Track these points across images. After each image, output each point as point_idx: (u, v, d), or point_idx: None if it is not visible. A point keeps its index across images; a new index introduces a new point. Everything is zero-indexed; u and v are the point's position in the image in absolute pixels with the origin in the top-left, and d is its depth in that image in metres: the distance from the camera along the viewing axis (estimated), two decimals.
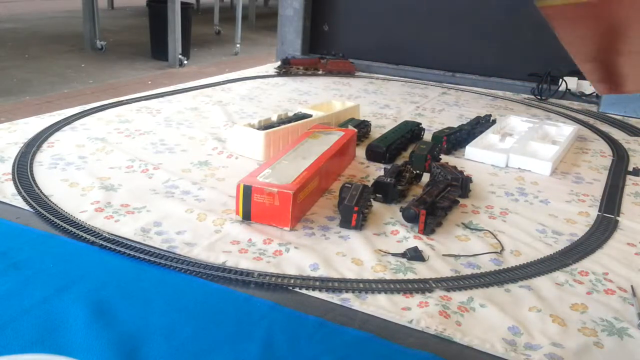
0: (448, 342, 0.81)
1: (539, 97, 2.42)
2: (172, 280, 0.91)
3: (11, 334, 0.74)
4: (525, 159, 1.54)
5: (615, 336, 0.85)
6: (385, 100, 2.26)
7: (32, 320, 0.77)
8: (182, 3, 2.90)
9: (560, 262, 1.05)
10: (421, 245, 1.06)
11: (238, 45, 3.53)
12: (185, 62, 2.93)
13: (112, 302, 0.83)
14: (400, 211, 1.16)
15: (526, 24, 2.50)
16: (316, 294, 0.90)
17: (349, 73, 2.61)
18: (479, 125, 1.79)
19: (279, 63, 2.63)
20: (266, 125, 1.54)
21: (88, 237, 1.00)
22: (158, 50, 3.05)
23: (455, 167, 1.37)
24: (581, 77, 2.48)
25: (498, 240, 1.12)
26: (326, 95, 2.25)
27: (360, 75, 2.73)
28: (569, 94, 2.44)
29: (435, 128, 1.83)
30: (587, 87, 2.42)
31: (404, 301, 0.89)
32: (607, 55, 0.45)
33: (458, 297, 0.92)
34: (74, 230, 1.02)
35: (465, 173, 1.37)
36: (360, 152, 1.55)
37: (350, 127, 1.57)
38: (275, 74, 2.47)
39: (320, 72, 2.54)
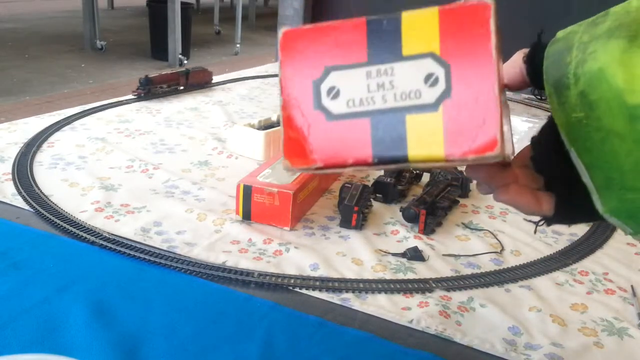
0: (448, 342, 0.81)
1: (538, 97, 2.42)
2: (172, 280, 0.91)
3: (11, 334, 0.74)
4: None
5: (615, 336, 0.85)
6: None
7: (32, 320, 0.77)
8: (182, 3, 2.90)
9: (560, 262, 1.05)
10: (421, 245, 1.06)
11: (238, 45, 3.53)
12: (185, 62, 2.93)
13: (112, 302, 0.83)
14: (400, 211, 1.16)
15: (526, 24, 2.50)
16: (316, 294, 0.90)
17: (206, 83, 2.18)
18: None
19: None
20: (266, 125, 1.54)
21: (88, 237, 1.00)
22: (158, 50, 3.06)
23: (455, 167, 1.37)
24: None
25: (498, 240, 1.12)
26: None
27: None
28: None
29: None
30: None
31: (404, 301, 0.89)
32: None
33: (458, 297, 0.92)
34: (74, 230, 1.02)
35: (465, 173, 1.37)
36: None
37: None
38: (135, 97, 1.93)
39: (181, 88, 2.06)
